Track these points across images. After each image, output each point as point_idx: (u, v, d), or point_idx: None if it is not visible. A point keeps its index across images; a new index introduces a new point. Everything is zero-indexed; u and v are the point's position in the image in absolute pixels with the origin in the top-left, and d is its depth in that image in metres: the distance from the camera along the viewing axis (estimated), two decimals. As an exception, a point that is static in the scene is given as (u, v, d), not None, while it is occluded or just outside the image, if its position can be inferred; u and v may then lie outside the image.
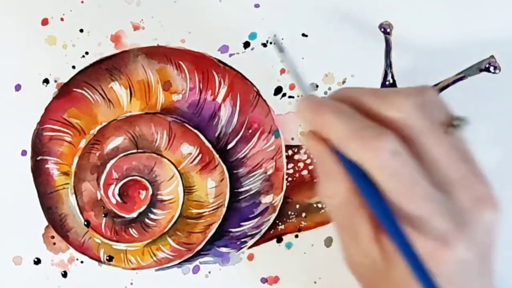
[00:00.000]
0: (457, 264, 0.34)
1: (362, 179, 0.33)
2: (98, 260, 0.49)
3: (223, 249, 0.49)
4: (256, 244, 0.49)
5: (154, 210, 0.48)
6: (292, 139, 0.49)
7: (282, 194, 0.48)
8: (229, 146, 0.48)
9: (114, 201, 0.48)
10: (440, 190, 0.34)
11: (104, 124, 0.48)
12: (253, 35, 0.49)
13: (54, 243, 0.49)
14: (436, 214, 0.33)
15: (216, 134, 0.48)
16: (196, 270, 0.49)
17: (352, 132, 0.33)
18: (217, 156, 0.48)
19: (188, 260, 0.49)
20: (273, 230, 0.49)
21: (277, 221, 0.49)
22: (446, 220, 0.33)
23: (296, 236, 0.49)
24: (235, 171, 0.48)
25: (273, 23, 0.49)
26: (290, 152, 0.49)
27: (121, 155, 0.48)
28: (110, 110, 0.48)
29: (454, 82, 0.48)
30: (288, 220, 0.49)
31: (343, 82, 0.49)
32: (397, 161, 0.33)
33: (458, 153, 0.36)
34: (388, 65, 0.48)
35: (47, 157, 0.49)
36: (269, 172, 0.48)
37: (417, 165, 0.34)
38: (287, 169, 0.49)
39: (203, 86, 0.48)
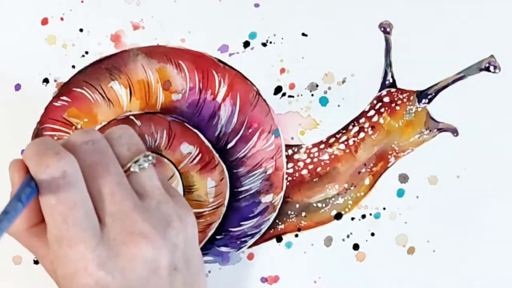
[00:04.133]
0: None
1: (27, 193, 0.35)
2: (98, 259, 0.49)
3: (223, 249, 0.49)
4: (256, 243, 0.49)
5: (154, 210, 0.48)
6: (292, 138, 0.49)
7: (282, 193, 0.48)
8: (229, 146, 0.48)
9: (114, 201, 0.48)
10: (99, 220, 0.36)
11: (104, 123, 0.48)
12: (253, 35, 0.49)
13: (54, 243, 0.49)
14: (86, 241, 0.35)
15: (216, 134, 0.48)
16: (196, 269, 0.49)
17: (37, 150, 0.36)
18: (217, 155, 0.48)
19: (188, 260, 0.48)
20: (273, 230, 0.49)
21: (277, 221, 0.49)
22: (91, 248, 0.35)
23: (296, 235, 0.49)
24: (235, 171, 0.48)
25: (273, 23, 0.49)
26: (290, 151, 0.49)
27: (121, 154, 0.48)
28: (110, 109, 0.48)
29: (454, 82, 0.48)
30: (288, 220, 0.49)
31: (343, 81, 0.49)
32: (64, 180, 0.35)
33: (123, 190, 0.37)
34: (388, 64, 0.49)
35: (47, 157, 0.49)
36: (269, 172, 0.48)
37: (84, 191, 0.36)
38: (287, 168, 0.49)
39: (203, 86, 0.48)
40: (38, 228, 0.38)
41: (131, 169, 0.38)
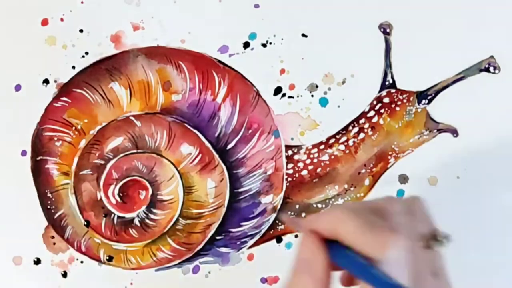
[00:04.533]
0: None
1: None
2: (98, 260, 0.49)
3: (223, 249, 0.49)
4: (256, 244, 0.49)
5: (154, 210, 0.48)
6: (292, 139, 0.49)
7: (282, 194, 0.48)
8: (229, 146, 0.48)
9: (114, 201, 0.48)
10: None
11: (104, 124, 0.48)
12: (253, 35, 0.49)
13: (54, 243, 0.49)
14: None
15: (216, 134, 0.48)
16: (196, 270, 0.49)
17: (366, 226, 0.35)
18: (217, 156, 0.48)
19: (188, 260, 0.49)
20: (273, 230, 0.49)
21: (277, 221, 0.49)
22: None
23: (296, 236, 0.49)
24: (235, 171, 0.48)
25: (273, 23, 0.49)
26: (289, 152, 0.49)
27: (121, 155, 0.48)
28: (110, 110, 0.48)
29: (454, 82, 0.48)
30: (288, 220, 0.49)
31: (343, 82, 0.49)
32: (409, 255, 0.35)
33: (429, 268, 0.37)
34: (388, 65, 0.49)
35: (47, 157, 0.49)
36: (268, 172, 0.48)
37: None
38: (287, 169, 0.49)
39: (203, 86, 0.48)
40: None
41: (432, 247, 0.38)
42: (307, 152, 0.49)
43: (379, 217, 0.36)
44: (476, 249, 0.48)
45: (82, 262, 0.49)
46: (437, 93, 0.48)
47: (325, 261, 0.34)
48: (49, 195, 0.49)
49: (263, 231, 0.48)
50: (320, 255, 0.34)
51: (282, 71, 0.49)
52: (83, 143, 0.48)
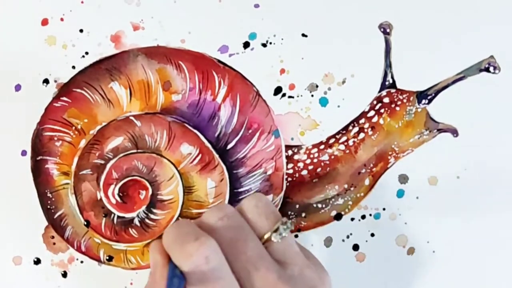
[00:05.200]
0: None
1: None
2: (98, 260, 0.49)
3: (223, 249, 0.49)
4: (256, 244, 0.48)
5: (154, 210, 0.48)
6: (292, 139, 0.49)
7: (282, 194, 0.48)
8: (229, 146, 0.48)
9: (114, 201, 0.48)
10: None
11: (104, 124, 0.48)
12: (253, 35, 0.49)
13: (54, 243, 0.49)
14: None
15: (216, 134, 0.48)
16: (196, 270, 0.49)
17: (176, 237, 0.36)
18: (217, 156, 0.48)
19: (188, 260, 0.48)
20: (273, 230, 0.49)
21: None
22: None
23: (296, 236, 0.49)
24: (235, 171, 0.48)
25: (273, 23, 0.49)
26: (290, 152, 0.49)
27: (121, 155, 0.48)
28: (110, 110, 0.48)
29: (454, 82, 0.48)
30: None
31: (343, 82, 0.49)
32: (208, 266, 0.35)
33: (266, 262, 0.37)
34: (388, 65, 0.49)
35: (47, 157, 0.49)
36: (269, 172, 0.48)
37: (229, 273, 0.36)
38: (287, 169, 0.49)
39: (203, 86, 0.48)
40: None
41: (272, 239, 0.38)
42: (307, 152, 0.49)
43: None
44: (476, 249, 0.48)
45: (82, 262, 0.49)
46: (437, 93, 0.48)
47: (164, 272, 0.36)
48: (49, 195, 0.49)
49: (263, 231, 0.48)
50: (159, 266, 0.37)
51: (282, 71, 0.49)
52: (83, 143, 0.48)
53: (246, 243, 0.37)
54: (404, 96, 0.48)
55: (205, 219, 0.38)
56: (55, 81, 0.49)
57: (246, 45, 0.49)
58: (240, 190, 0.48)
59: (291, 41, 0.49)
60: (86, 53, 0.49)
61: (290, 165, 0.49)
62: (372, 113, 0.48)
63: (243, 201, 0.40)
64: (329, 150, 0.49)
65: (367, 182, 0.48)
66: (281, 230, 0.38)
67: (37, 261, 0.49)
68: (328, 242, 0.49)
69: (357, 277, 0.48)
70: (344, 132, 0.49)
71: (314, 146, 0.49)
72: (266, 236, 0.38)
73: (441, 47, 0.49)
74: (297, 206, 0.49)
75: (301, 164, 0.49)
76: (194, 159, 0.48)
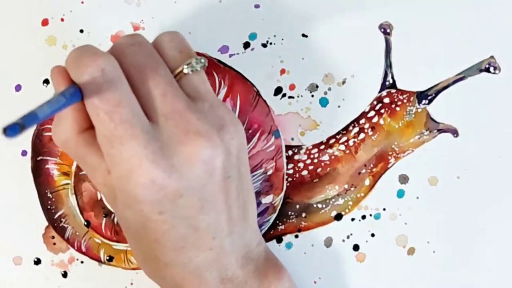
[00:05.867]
0: (153, 188, 0.35)
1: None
2: (98, 260, 0.49)
3: (223, 249, 0.48)
4: (256, 244, 0.48)
5: (154, 210, 0.48)
6: (292, 139, 0.49)
7: (282, 194, 0.48)
8: (229, 147, 0.48)
9: (114, 201, 0.48)
10: (150, 121, 0.36)
11: (104, 124, 0.48)
12: (253, 36, 0.49)
13: (54, 243, 0.49)
14: (137, 137, 0.34)
15: (216, 135, 0.48)
16: (196, 270, 0.48)
17: (76, 54, 0.36)
18: (217, 156, 0.48)
19: (188, 260, 0.48)
20: (273, 231, 0.49)
21: (277, 221, 0.49)
22: (143, 145, 0.34)
23: (296, 236, 0.49)
24: (235, 172, 0.48)
25: (273, 23, 0.49)
26: (290, 152, 0.49)
27: (121, 155, 0.48)
28: (110, 110, 0.48)
29: (454, 82, 0.48)
30: (288, 221, 0.49)
31: (343, 82, 0.49)
32: (104, 78, 0.35)
33: (175, 90, 0.36)
34: (388, 65, 0.49)
35: (47, 157, 0.49)
36: (269, 172, 0.48)
37: (127, 89, 0.35)
38: (287, 169, 0.49)
39: (203, 87, 0.48)
40: (88, 134, 0.37)
41: (184, 71, 0.37)
42: (308, 152, 0.49)
43: None
44: (476, 249, 0.48)
45: (82, 262, 0.49)
46: (437, 93, 0.48)
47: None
48: (49, 195, 0.49)
49: (263, 232, 0.48)
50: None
51: (282, 71, 0.49)
52: (83, 143, 0.48)
53: (156, 71, 0.37)
54: (404, 96, 0.48)
55: (116, 43, 0.38)
56: (55, 81, 0.49)
57: (246, 45, 0.49)
58: (240, 190, 0.48)
59: (291, 41, 0.49)
60: (86, 53, 0.49)
61: (291, 165, 0.49)
62: (372, 113, 0.48)
63: (158, 36, 0.39)
64: (329, 150, 0.49)
65: (367, 182, 0.48)
66: (193, 63, 0.38)
67: (37, 261, 0.49)
68: (328, 242, 0.49)
69: (357, 277, 0.48)
70: (344, 132, 0.49)
71: (314, 146, 0.49)
72: (179, 69, 0.38)
73: (441, 47, 0.49)
74: (298, 206, 0.49)
75: (301, 164, 0.49)
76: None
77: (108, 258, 0.49)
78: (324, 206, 0.49)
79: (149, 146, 0.35)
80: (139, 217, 0.36)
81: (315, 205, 0.49)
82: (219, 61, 0.49)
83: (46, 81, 0.49)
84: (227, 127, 0.37)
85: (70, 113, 0.37)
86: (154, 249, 0.37)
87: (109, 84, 0.35)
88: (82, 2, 0.49)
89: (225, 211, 0.38)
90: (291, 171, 0.49)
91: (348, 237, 0.49)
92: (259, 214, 0.48)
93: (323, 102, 0.49)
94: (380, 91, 0.49)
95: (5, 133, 0.30)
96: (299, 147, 0.49)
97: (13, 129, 0.30)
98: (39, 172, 0.49)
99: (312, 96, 0.49)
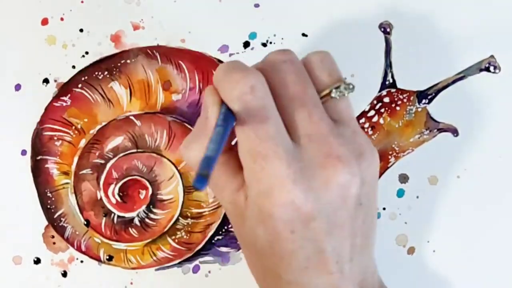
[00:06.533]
0: (291, 208, 0.35)
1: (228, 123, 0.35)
2: (98, 259, 0.49)
3: (223, 249, 0.49)
4: (256, 243, 0.48)
5: (154, 210, 0.48)
6: (292, 138, 0.48)
7: (282, 193, 0.48)
8: (229, 146, 0.48)
9: (114, 201, 0.48)
10: (293, 140, 0.36)
11: (104, 123, 0.48)
12: (253, 35, 0.49)
13: (54, 243, 0.49)
14: (280, 157, 0.35)
15: (216, 134, 0.48)
16: (196, 269, 0.49)
17: (225, 70, 0.36)
18: (217, 155, 0.48)
19: (188, 260, 0.49)
20: (273, 230, 0.48)
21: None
22: (286, 164, 0.35)
23: (296, 236, 0.48)
24: (235, 171, 0.48)
25: (273, 23, 0.49)
26: (290, 151, 0.49)
27: (121, 154, 0.48)
28: (110, 109, 0.48)
29: (454, 82, 0.48)
30: (288, 220, 0.48)
31: (343, 82, 0.49)
32: (253, 96, 0.35)
33: (321, 112, 0.37)
34: (388, 65, 0.49)
35: (47, 157, 0.49)
36: (269, 172, 0.48)
37: (273, 107, 0.36)
38: (287, 168, 0.48)
39: (203, 86, 0.48)
40: (226, 156, 0.38)
41: (332, 95, 0.37)
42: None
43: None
44: (476, 248, 0.48)
45: (82, 261, 0.49)
46: (437, 92, 0.48)
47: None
48: (49, 194, 0.49)
49: (263, 231, 0.48)
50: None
51: (282, 71, 0.49)
52: (83, 142, 0.48)
53: (304, 90, 0.36)
54: (405, 95, 0.48)
55: (269, 58, 0.38)
56: (55, 81, 0.49)
57: (246, 44, 0.49)
58: (240, 189, 0.48)
59: (291, 41, 0.49)
60: (86, 52, 0.49)
61: (290, 165, 0.48)
62: (372, 112, 0.48)
63: (309, 54, 0.39)
64: (329, 150, 0.48)
65: (367, 181, 0.48)
66: (342, 88, 0.37)
67: (37, 261, 0.49)
68: (328, 241, 0.48)
69: (357, 277, 0.48)
70: (344, 131, 0.49)
71: (314, 145, 0.49)
72: (326, 91, 0.37)
73: (441, 47, 0.49)
74: (297, 205, 0.48)
75: (301, 164, 0.49)
76: (194, 158, 0.48)
77: (107, 257, 0.49)
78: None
79: (292, 166, 0.35)
80: (270, 235, 0.36)
81: (315, 205, 0.48)
82: (219, 60, 0.49)
83: (45, 81, 0.49)
84: (366, 155, 0.37)
85: (206, 132, 0.37)
86: (277, 267, 0.37)
87: (257, 100, 0.35)
88: (82, 2, 0.49)
89: (350, 236, 0.38)
90: (291, 171, 0.49)
91: (348, 236, 0.48)
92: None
93: (323, 101, 0.49)
94: (380, 91, 0.49)
95: (197, 188, 0.30)
96: (299, 147, 0.49)
97: (201, 181, 0.30)
98: (38, 171, 0.49)
99: (312, 95, 0.49)
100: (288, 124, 0.36)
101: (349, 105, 0.38)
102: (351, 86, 0.38)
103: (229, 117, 0.35)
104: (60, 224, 0.49)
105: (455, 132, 0.48)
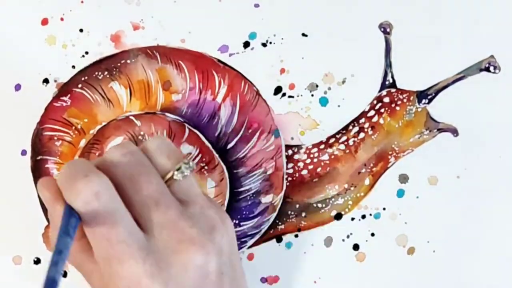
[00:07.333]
0: None
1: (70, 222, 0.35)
2: (98, 260, 0.49)
3: (223, 249, 0.48)
4: (256, 243, 0.49)
5: (154, 210, 0.48)
6: (292, 139, 0.49)
7: (282, 193, 0.48)
8: (229, 146, 0.48)
9: (114, 201, 0.48)
10: (144, 231, 0.36)
11: (104, 123, 0.48)
12: (253, 35, 0.49)
13: (54, 243, 0.49)
14: (135, 256, 0.35)
15: (216, 134, 0.48)
16: (196, 270, 0.48)
17: (68, 175, 0.36)
18: (216, 156, 0.48)
19: (188, 260, 0.48)
20: (273, 230, 0.49)
21: (277, 221, 0.49)
22: (141, 262, 0.35)
23: (296, 236, 0.49)
24: (235, 171, 0.48)
25: (273, 23, 0.49)
26: (290, 152, 0.49)
27: (121, 154, 0.48)
28: (110, 109, 0.48)
29: (454, 82, 0.48)
30: (288, 220, 0.49)
31: (343, 82, 0.49)
32: (99, 202, 0.35)
33: (167, 199, 0.37)
34: (388, 65, 0.49)
35: (47, 157, 0.49)
36: (269, 172, 0.48)
37: (121, 208, 0.36)
38: (287, 168, 0.49)
39: (203, 86, 0.48)
40: (85, 242, 0.38)
41: (174, 177, 0.38)
42: (307, 151, 0.49)
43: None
44: (476, 248, 0.48)
45: (82, 261, 0.49)
46: (437, 92, 0.48)
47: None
48: (49, 194, 0.49)
49: (263, 231, 0.48)
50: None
51: (282, 71, 0.49)
52: (83, 142, 0.48)
53: (148, 179, 0.37)
54: (404, 95, 0.48)
55: (107, 155, 0.38)
56: (55, 81, 0.49)
57: (246, 44, 0.49)
58: (240, 189, 0.48)
59: (291, 41, 0.49)
60: (86, 52, 0.49)
61: (290, 165, 0.49)
62: (372, 112, 0.48)
63: (144, 141, 0.40)
64: (329, 150, 0.49)
65: (367, 181, 0.48)
66: (183, 168, 0.38)
67: (37, 261, 0.49)
68: (328, 242, 0.48)
69: (357, 277, 0.48)
70: (344, 131, 0.49)
71: (314, 145, 0.49)
72: (168, 175, 0.38)
73: (441, 47, 0.49)
74: (297, 205, 0.49)
75: (301, 164, 0.49)
76: (194, 158, 0.48)
77: (107, 257, 0.49)
78: (324, 205, 0.48)
79: (147, 261, 0.35)
80: None
81: (315, 205, 0.49)
82: (219, 60, 0.49)
83: (45, 81, 0.49)
84: (217, 226, 0.38)
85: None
86: None
87: (103, 207, 0.35)
88: (82, 2, 0.49)
89: None
90: (291, 171, 0.49)
91: (348, 236, 0.48)
92: (259, 214, 0.48)
93: (323, 101, 0.49)
94: (380, 91, 0.49)
95: None
96: (299, 147, 0.49)
97: None
98: (39, 171, 0.49)
99: (312, 95, 0.49)
100: (137, 216, 0.37)
101: (193, 183, 0.39)
102: (191, 164, 0.39)
103: (74, 216, 0.35)
104: (60, 224, 0.49)
105: (455, 132, 0.48)
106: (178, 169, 0.38)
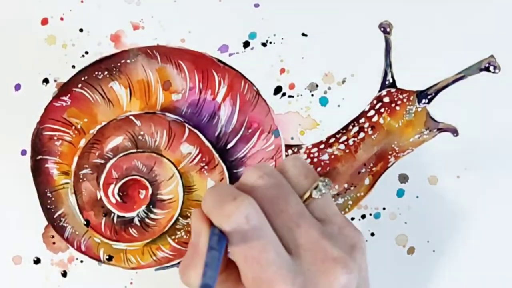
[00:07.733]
0: None
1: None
2: (98, 259, 0.49)
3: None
4: (255, 243, 0.48)
5: (154, 210, 0.48)
6: (292, 138, 0.49)
7: (282, 193, 0.48)
8: (229, 146, 0.48)
9: (114, 201, 0.48)
10: (289, 253, 0.36)
11: (104, 123, 0.48)
12: (253, 35, 0.49)
13: (54, 243, 0.49)
14: (284, 279, 0.35)
15: (216, 134, 0.48)
16: (195, 269, 0.48)
17: (215, 200, 0.36)
18: (216, 155, 0.48)
19: (187, 260, 0.48)
20: (272, 230, 0.48)
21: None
22: (290, 283, 0.35)
23: (296, 235, 0.48)
24: (234, 171, 0.48)
25: (273, 23, 0.49)
26: (289, 151, 0.49)
27: (121, 154, 0.48)
28: (110, 109, 0.48)
29: (454, 82, 0.48)
30: (288, 220, 0.48)
31: (343, 81, 0.49)
32: (249, 225, 0.35)
33: (308, 220, 0.37)
34: (388, 64, 0.49)
35: (47, 157, 0.49)
36: (269, 172, 0.48)
37: (269, 230, 0.36)
38: (287, 168, 0.48)
39: (203, 86, 0.48)
40: (227, 273, 0.38)
41: (313, 196, 0.38)
42: (307, 151, 0.49)
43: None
44: (476, 248, 0.48)
45: (82, 261, 0.49)
46: (437, 92, 0.48)
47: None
48: (49, 194, 0.49)
49: (263, 231, 0.48)
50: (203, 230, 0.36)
51: (282, 71, 0.49)
52: (83, 142, 0.48)
53: (287, 201, 0.37)
54: (404, 95, 0.48)
55: (244, 178, 0.38)
56: (55, 81, 0.49)
57: (246, 44, 0.49)
58: (240, 189, 0.48)
59: (291, 40, 0.49)
60: (86, 52, 0.49)
61: (290, 165, 0.49)
62: (372, 112, 0.48)
63: (280, 161, 0.40)
64: (329, 150, 0.49)
65: (367, 181, 0.48)
66: (320, 186, 0.38)
67: (37, 261, 0.49)
68: (328, 241, 0.48)
69: (357, 277, 0.48)
70: (344, 131, 0.49)
71: (314, 145, 0.49)
72: (306, 194, 0.38)
73: (441, 47, 0.49)
74: (297, 205, 0.48)
75: (301, 164, 0.49)
76: (194, 158, 0.48)
77: (107, 257, 0.49)
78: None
79: (295, 283, 0.35)
80: None
81: (315, 205, 0.48)
82: (219, 60, 0.49)
83: (45, 80, 0.49)
84: (357, 245, 0.38)
85: (200, 257, 0.37)
86: None
87: (253, 229, 0.35)
88: (82, 1, 0.49)
89: None
90: (291, 171, 0.49)
91: (348, 236, 0.48)
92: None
93: (323, 101, 0.49)
94: (380, 90, 0.49)
95: None
96: (299, 147, 0.49)
97: None
98: (38, 171, 0.49)
99: (312, 95, 0.49)
100: (280, 237, 0.36)
101: (330, 202, 0.39)
102: (327, 182, 0.38)
103: (222, 239, 0.35)
104: (60, 224, 0.49)
105: (455, 132, 0.48)
106: (315, 188, 0.38)
